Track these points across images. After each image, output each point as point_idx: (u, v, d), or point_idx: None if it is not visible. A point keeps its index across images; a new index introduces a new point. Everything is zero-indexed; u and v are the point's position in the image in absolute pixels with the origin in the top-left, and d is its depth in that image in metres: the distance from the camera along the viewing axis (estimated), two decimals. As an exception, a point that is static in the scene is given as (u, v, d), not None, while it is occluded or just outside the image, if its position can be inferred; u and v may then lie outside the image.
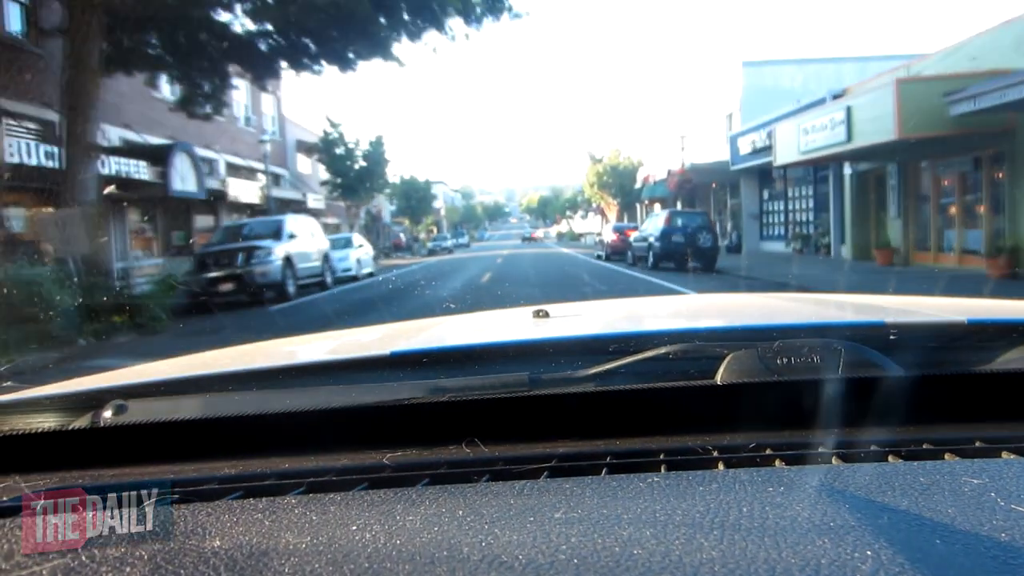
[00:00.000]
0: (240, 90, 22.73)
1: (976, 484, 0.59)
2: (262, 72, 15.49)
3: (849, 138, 14.89)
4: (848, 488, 0.60)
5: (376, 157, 36.12)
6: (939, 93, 12.10)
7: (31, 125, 13.15)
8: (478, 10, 12.89)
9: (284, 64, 14.89)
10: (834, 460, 0.70)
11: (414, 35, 13.19)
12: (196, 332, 10.03)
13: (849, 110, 14.85)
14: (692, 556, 0.48)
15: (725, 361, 0.86)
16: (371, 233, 40.92)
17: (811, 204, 23.06)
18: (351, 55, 14.13)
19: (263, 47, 14.21)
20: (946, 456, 0.71)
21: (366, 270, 22.27)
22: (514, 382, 0.87)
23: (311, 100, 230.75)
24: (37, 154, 12.25)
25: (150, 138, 18.19)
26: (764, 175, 25.20)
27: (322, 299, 15.08)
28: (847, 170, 19.28)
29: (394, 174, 46.55)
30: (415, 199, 55.87)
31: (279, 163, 29.52)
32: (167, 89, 18.15)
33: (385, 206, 51.38)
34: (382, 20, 12.75)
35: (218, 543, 0.55)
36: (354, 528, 0.57)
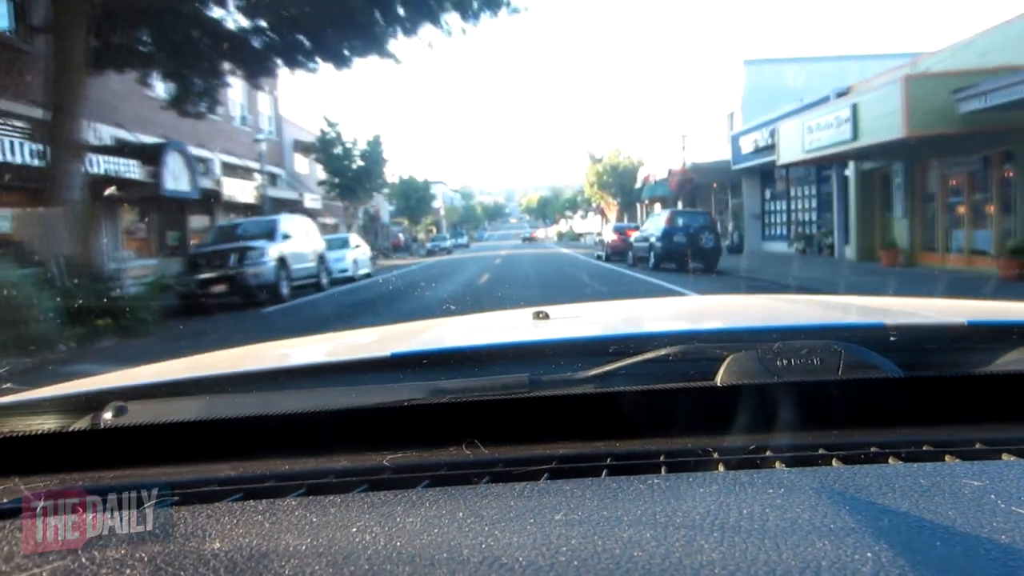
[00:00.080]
0: (236, 89, 22.50)
1: (976, 486, 0.59)
2: (256, 70, 15.23)
3: (855, 136, 14.61)
4: (848, 490, 0.59)
5: (374, 157, 36.00)
6: (948, 90, 11.86)
7: (19, 123, 12.91)
8: (475, 4, 12.63)
9: (278, 61, 14.65)
10: (834, 462, 0.70)
11: (409, 30, 12.97)
12: (183, 336, 9.79)
13: (855, 107, 14.56)
14: (692, 558, 0.48)
15: (725, 363, 0.87)
16: (369, 233, 40.77)
17: (814, 204, 22.81)
18: (346, 52, 13.92)
19: (256, 44, 13.96)
20: (946, 458, 0.70)
21: (363, 271, 21.98)
22: (514, 384, 0.88)
23: (308, 99, 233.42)
24: (22, 152, 12.01)
25: (144, 137, 18.01)
26: (766, 175, 24.96)
27: (317, 301, 14.86)
28: (851, 169, 19.01)
29: (393, 174, 46.61)
30: (414, 199, 55.73)
31: (276, 163, 29.32)
32: (161, 88, 17.91)
33: (383, 206, 51.27)
34: (376, 14, 12.49)
35: (218, 545, 0.55)
36: (354, 530, 0.56)
